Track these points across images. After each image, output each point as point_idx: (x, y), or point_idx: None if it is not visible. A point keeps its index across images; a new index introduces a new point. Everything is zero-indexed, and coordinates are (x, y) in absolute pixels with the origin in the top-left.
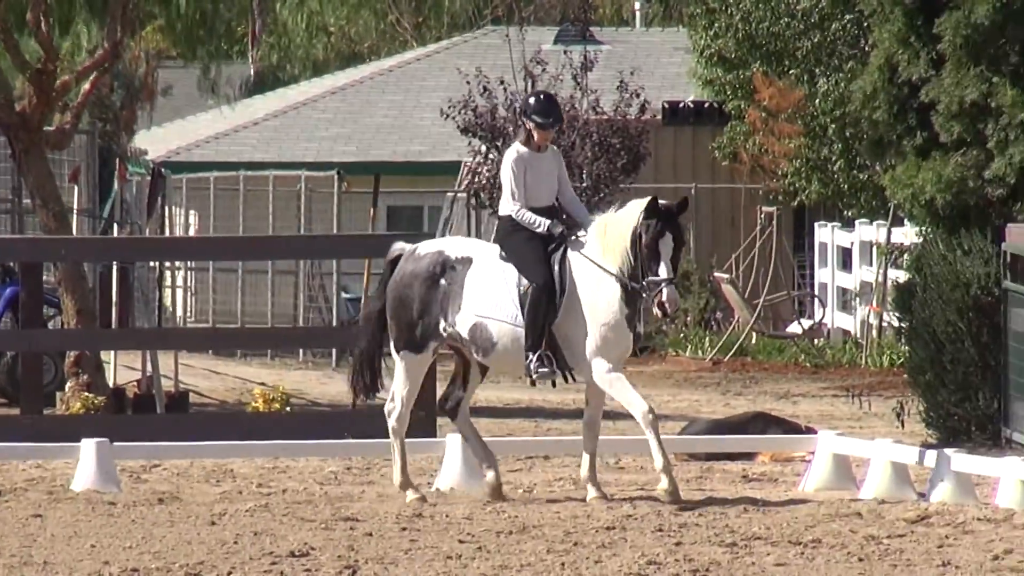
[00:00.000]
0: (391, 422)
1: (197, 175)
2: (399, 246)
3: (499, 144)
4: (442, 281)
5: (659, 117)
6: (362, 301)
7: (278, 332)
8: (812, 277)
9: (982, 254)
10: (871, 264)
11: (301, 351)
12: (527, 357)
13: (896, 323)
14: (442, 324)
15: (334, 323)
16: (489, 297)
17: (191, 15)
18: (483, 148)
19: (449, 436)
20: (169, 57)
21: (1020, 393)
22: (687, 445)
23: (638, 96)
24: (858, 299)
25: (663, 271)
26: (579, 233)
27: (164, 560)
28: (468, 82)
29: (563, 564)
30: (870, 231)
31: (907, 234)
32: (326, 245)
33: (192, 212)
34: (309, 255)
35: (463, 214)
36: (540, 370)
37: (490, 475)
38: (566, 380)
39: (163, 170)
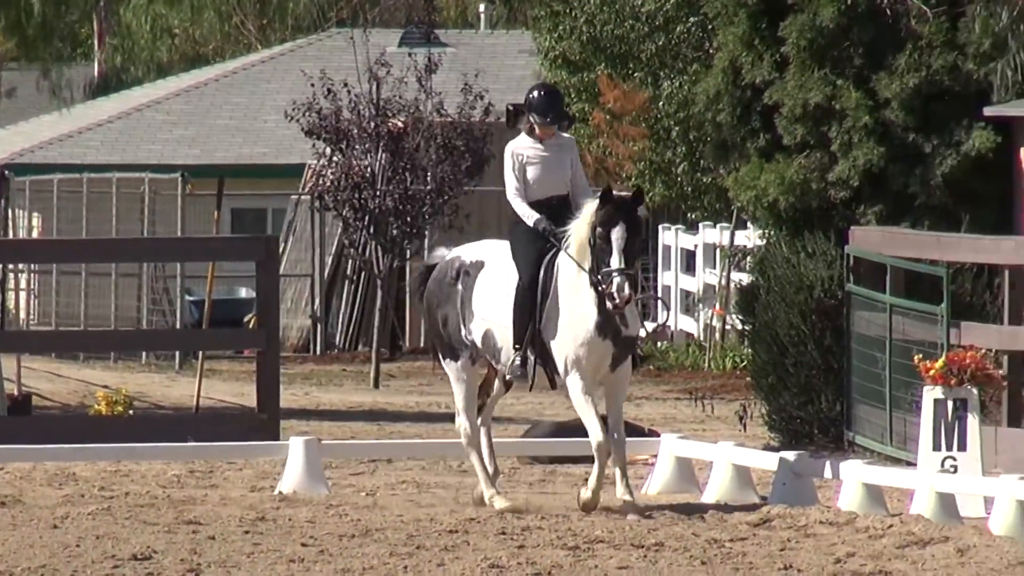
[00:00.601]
0: (461, 438)
1: (40, 177)
2: (440, 252)
3: (343, 147)
4: (458, 287)
5: (503, 119)
6: (206, 304)
7: (121, 335)
8: (656, 280)
9: (825, 257)
10: (715, 267)
11: (144, 354)
12: (511, 355)
13: (739, 326)
14: (463, 331)
15: (178, 326)
16: (495, 301)
17: (35, 17)
18: (327, 151)
19: (292, 439)
20: (12, 59)
21: (863, 396)
22: (530, 448)
23: (482, 99)
24: (701, 302)
25: (614, 260)
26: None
27: (6, 564)
28: (312, 84)
29: (406, 567)
30: (714, 234)
31: (751, 237)
32: (170, 247)
33: (36, 214)
34: (153, 258)
35: (307, 217)
36: (514, 371)
37: (479, 490)
38: (552, 386)
39: (6, 172)
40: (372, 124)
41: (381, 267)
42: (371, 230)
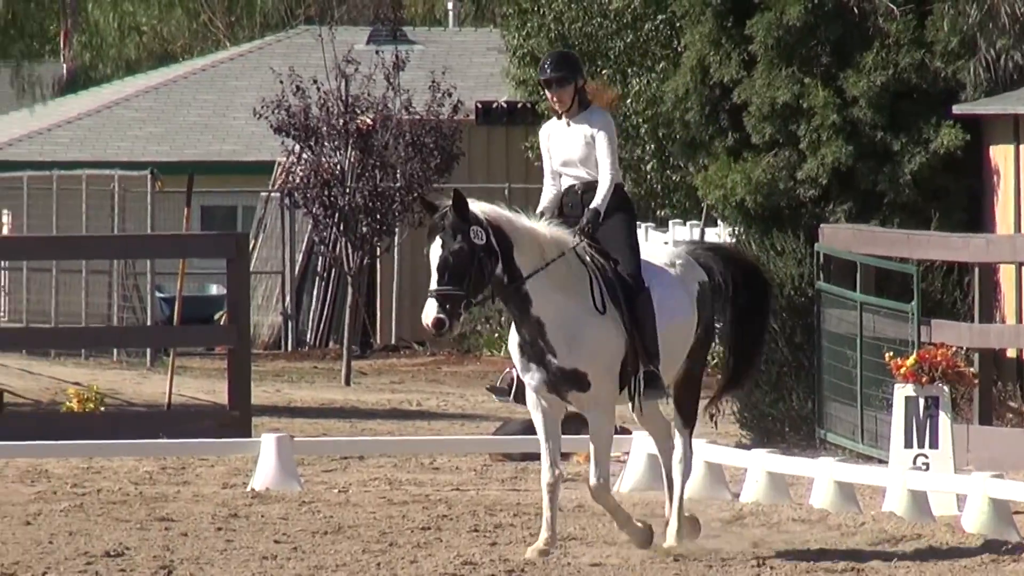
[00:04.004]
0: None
1: (10, 174)
2: None
3: (312, 144)
4: None
5: (472, 117)
6: (177, 301)
7: (92, 331)
8: None
9: (795, 255)
10: None
11: (115, 351)
12: None
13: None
14: None
15: (148, 323)
16: None
17: (3, 14)
18: (296, 148)
19: (264, 436)
20: None
21: (834, 394)
22: (502, 445)
23: (450, 96)
24: None
25: (431, 280)
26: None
27: None
28: (281, 82)
29: (379, 564)
30: (684, 231)
31: (720, 234)
32: (140, 245)
33: (5, 211)
34: (124, 255)
35: (277, 214)
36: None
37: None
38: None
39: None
40: (341, 121)
41: (351, 264)
42: (341, 227)
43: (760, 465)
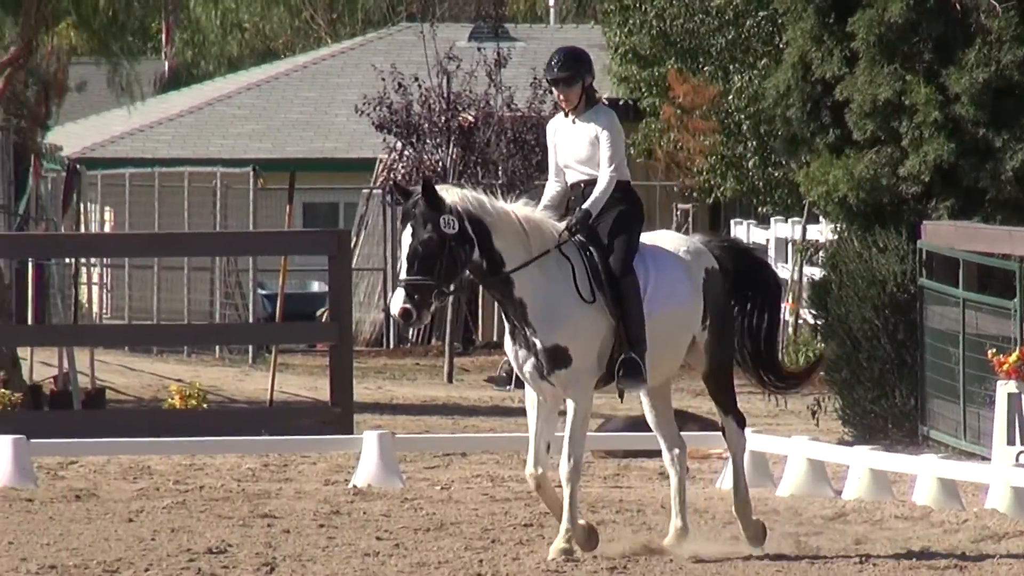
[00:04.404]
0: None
1: (112, 171)
2: None
3: (414, 141)
4: None
5: None
6: (279, 298)
7: (194, 328)
8: None
9: (897, 251)
10: (787, 261)
11: (217, 347)
12: None
13: (812, 320)
14: None
15: (250, 320)
16: None
17: (104, 12)
18: (398, 145)
19: (366, 433)
20: (85, 53)
21: (936, 390)
22: (604, 442)
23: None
24: None
25: (400, 270)
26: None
27: (82, 557)
28: (383, 79)
29: (481, 561)
30: (786, 228)
31: (823, 231)
32: (242, 242)
33: (108, 208)
34: (226, 252)
35: (379, 211)
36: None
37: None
38: None
39: (78, 166)
40: (443, 118)
41: None
42: None
43: (863, 462)
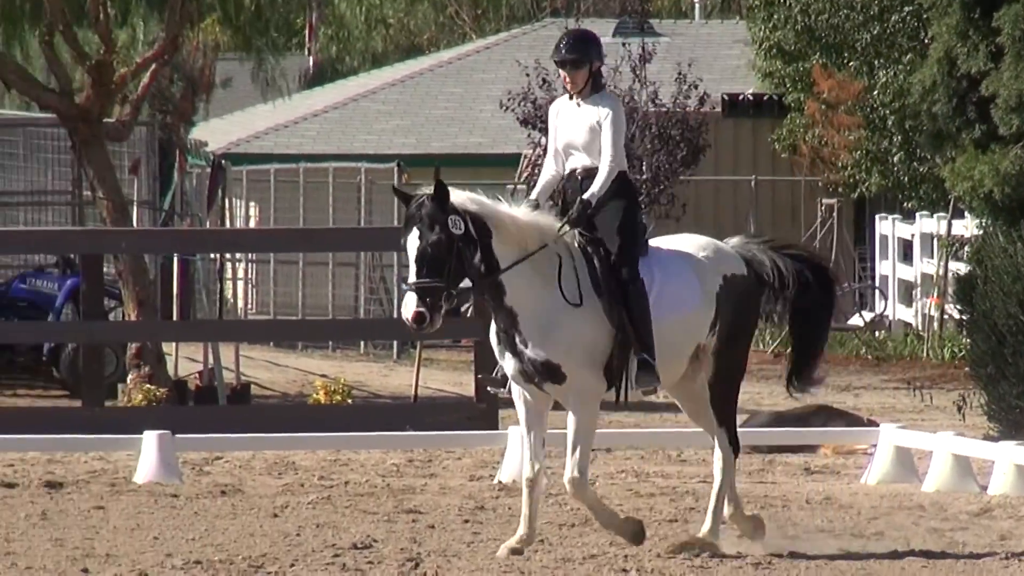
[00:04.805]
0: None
1: (257, 167)
2: None
3: None
4: None
5: (719, 109)
6: None
7: (339, 324)
8: (873, 269)
9: None
10: (932, 256)
11: (362, 343)
12: None
13: (957, 315)
14: None
15: (395, 315)
16: None
17: (248, 8)
18: (542, 140)
19: (511, 428)
20: (229, 49)
21: None
22: (749, 438)
23: (696, 88)
24: (919, 291)
25: (409, 273)
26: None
27: (227, 552)
28: (527, 74)
29: (626, 557)
30: (931, 223)
31: (968, 226)
32: (387, 237)
33: (252, 204)
34: (371, 247)
35: None
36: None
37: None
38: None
39: (223, 162)
40: None
41: None
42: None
43: (1008, 457)
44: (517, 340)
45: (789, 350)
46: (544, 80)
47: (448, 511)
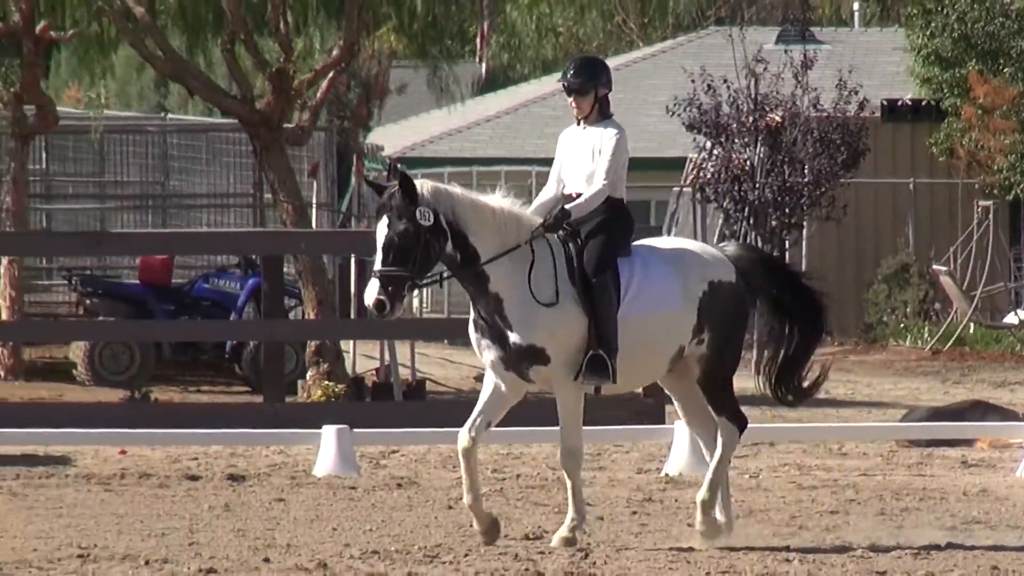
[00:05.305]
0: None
1: (431, 170)
2: None
3: (723, 140)
4: None
5: (878, 114)
6: None
7: None
8: None
9: None
10: None
11: None
12: None
13: None
14: None
15: None
16: None
17: (423, 17)
18: (708, 144)
19: (677, 424)
20: (405, 57)
21: None
22: (908, 432)
23: (856, 93)
24: None
25: (376, 260)
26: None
27: (403, 543)
28: (693, 80)
29: (788, 547)
30: None
31: None
32: None
33: None
34: None
35: (689, 208)
36: None
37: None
38: None
39: (399, 165)
40: (751, 119)
41: None
42: (751, 221)
43: None
44: (501, 326)
45: (766, 359)
46: (709, 86)
47: (616, 503)
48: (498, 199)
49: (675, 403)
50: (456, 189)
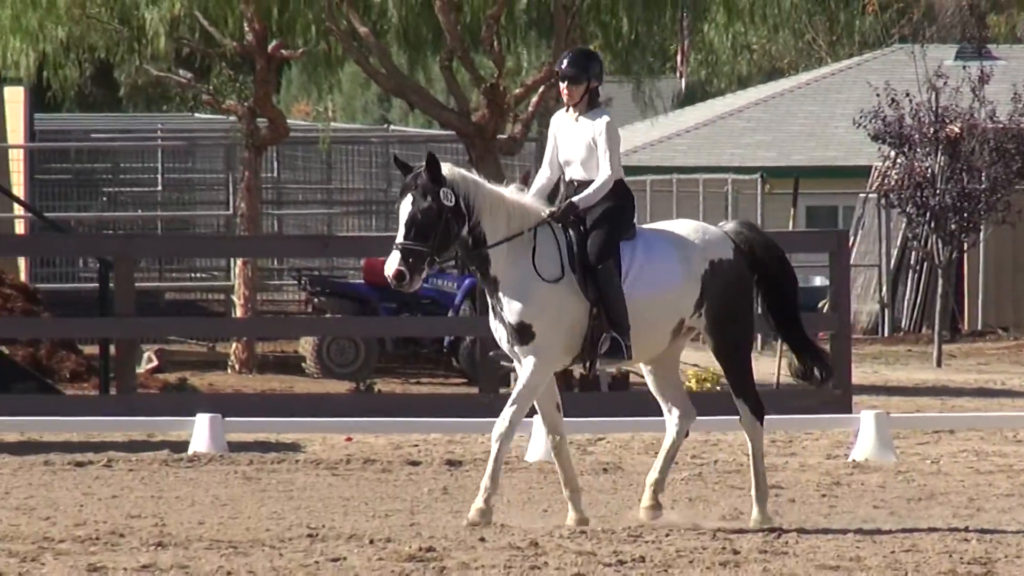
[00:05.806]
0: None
1: (634, 179)
2: None
3: (906, 150)
4: None
5: None
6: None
7: None
8: None
9: None
10: None
11: None
12: None
13: None
14: None
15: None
16: None
17: (627, 35)
18: (892, 153)
19: (863, 412)
20: (610, 72)
21: None
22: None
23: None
24: None
25: (398, 234)
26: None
27: (608, 524)
28: (877, 94)
29: (967, 528)
30: None
31: None
32: None
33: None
34: None
35: (874, 213)
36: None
37: None
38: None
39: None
40: (931, 130)
41: (941, 258)
42: (932, 225)
43: None
44: (498, 307)
45: (787, 346)
46: (893, 100)
47: (807, 486)
48: (512, 190)
49: (644, 370)
50: (477, 177)
